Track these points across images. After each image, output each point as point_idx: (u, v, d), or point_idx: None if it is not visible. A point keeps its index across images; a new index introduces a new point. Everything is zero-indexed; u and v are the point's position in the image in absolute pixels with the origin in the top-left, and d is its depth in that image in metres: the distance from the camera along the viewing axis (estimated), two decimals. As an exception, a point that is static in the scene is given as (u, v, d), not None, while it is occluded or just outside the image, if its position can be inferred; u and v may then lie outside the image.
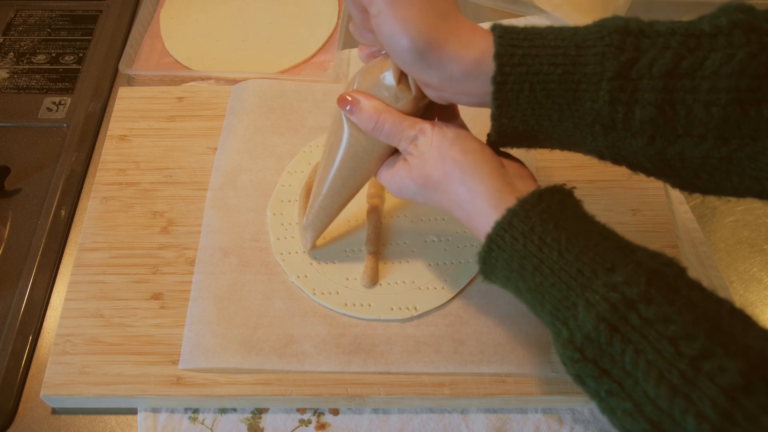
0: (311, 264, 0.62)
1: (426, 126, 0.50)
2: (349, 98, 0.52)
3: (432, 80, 0.47)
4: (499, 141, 0.49)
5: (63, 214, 0.69)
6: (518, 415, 0.57)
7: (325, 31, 0.84)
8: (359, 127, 0.52)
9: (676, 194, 0.70)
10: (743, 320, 0.39)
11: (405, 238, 0.64)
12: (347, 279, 0.61)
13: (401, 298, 0.60)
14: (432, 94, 0.49)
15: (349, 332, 0.59)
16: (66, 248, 0.68)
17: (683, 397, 0.36)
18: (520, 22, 0.84)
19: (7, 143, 0.75)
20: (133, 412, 0.58)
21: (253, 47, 0.83)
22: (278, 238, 0.64)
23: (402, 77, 0.50)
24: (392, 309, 0.60)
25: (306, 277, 0.62)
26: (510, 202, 0.45)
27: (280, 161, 0.69)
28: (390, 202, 0.66)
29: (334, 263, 0.63)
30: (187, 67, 0.81)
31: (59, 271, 0.66)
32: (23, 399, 0.59)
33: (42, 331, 0.63)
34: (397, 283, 0.61)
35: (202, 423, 0.57)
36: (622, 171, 0.68)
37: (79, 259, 0.64)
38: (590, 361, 0.41)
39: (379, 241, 0.64)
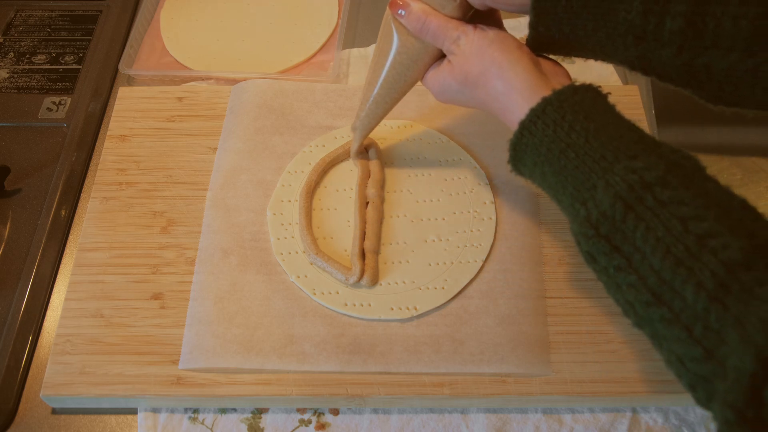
0: (311, 264, 0.62)
1: (468, 27, 0.54)
2: (400, 2, 0.56)
3: None
4: (535, 48, 0.53)
5: (63, 214, 0.69)
6: (518, 415, 0.57)
7: (325, 31, 0.84)
8: (408, 28, 0.56)
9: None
10: (753, 212, 0.41)
11: (405, 238, 0.64)
12: (347, 279, 0.61)
13: (401, 298, 0.60)
14: (474, 1, 0.53)
15: (349, 332, 0.59)
16: (66, 248, 0.68)
17: (685, 269, 0.39)
18: (521, 22, 0.84)
19: (7, 143, 0.75)
20: (133, 412, 0.58)
21: (253, 47, 0.83)
22: (278, 238, 0.64)
23: None
24: (392, 309, 0.60)
25: (306, 277, 0.62)
26: (545, 93, 0.49)
27: (280, 161, 0.69)
28: (390, 201, 0.67)
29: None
30: (187, 67, 0.81)
31: (59, 271, 0.66)
32: (23, 399, 0.59)
33: (42, 331, 0.63)
34: (397, 283, 0.61)
35: (202, 423, 0.57)
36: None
37: (79, 259, 0.64)
38: (603, 237, 0.43)
39: (379, 241, 0.64)
